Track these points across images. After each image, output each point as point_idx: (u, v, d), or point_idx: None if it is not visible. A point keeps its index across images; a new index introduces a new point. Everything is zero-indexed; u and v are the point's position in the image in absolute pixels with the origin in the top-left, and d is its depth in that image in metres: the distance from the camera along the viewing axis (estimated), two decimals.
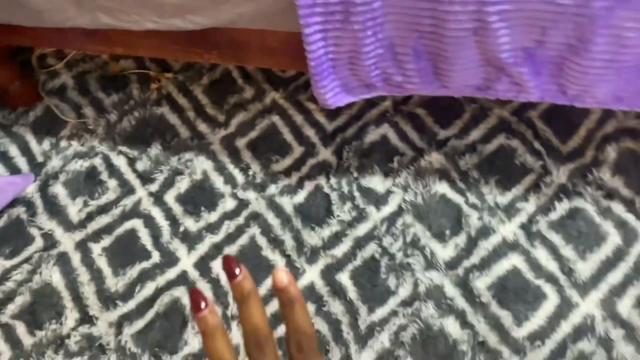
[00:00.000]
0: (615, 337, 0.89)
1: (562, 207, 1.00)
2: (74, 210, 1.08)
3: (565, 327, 0.91)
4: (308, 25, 0.71)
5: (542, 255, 0.97)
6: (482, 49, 0.72)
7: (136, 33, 0.85)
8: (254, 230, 1.04)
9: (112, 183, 1.11)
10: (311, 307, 0.95)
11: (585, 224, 0.99)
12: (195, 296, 0.37)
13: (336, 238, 1.02)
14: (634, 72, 0.71)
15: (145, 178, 1.11)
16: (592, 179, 1.02)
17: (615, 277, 0.94)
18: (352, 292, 0.97)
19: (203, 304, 0.36)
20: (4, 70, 1.13)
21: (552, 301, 0.93)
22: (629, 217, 0.98)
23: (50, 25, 0.86)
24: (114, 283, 1.00)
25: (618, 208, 0.99)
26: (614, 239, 0.97)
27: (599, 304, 0.92)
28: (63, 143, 1.16)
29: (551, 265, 0.96)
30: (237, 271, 0.37)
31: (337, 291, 0.97)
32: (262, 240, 1.03)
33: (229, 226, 1.04)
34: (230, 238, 1.03)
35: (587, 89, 0.75)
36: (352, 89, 0.83)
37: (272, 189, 1.07)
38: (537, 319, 0.92)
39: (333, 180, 1.07)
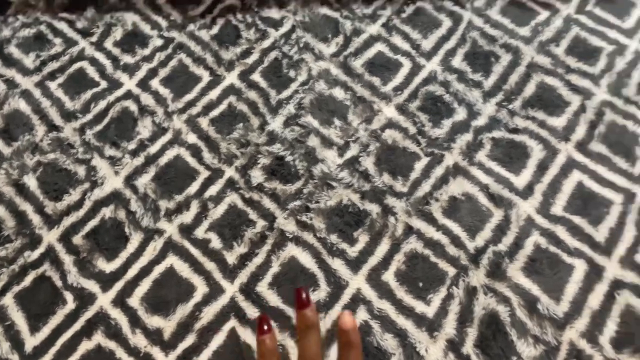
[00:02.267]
0: (450, 79, 1.25)
1: (409, 9, 1.36)
2: (29, 61, 1.31)
3: (417, 80, 1.26)
4: None
5: (397, 40, 1.32)
6: None
7: None
8: (181, 56, 1.32)
9: (57, 40, 1.35)
10: (233, 98, 1.25)
11: (426, 17, 1.35)
12: (261, 321, 0.44)
13: (247, 52, 1.32)
14: None
15: (85, 33, 1.36)
16: None
17: (449, 45, 1.30)
18: (263, 84, 1.27)
19: (266, 327, 0.43)
20: None
21: (407, 67, 1.28)
22: (456, 9, 1.35)
23: None
24: (72, 104, 1.25)
25: (447, 4, 1.36)
26: (447, 23, 1.34)
27: (438, 63, 1.28)
28: (10, 19, 1.38)
29: (405, 46, 1.31)
30: (307, 302, 0.43)
31: (252, 85, 1.27)
32: (188, 61, 1.31)
33: (160, 56, 1.32)
34: (163, 63, 1.31)
35: None
36: None
37: (192, 27, 1.36)
38: (397, 79, 1.26)
39: (239, 16, 1.37)
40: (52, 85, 1.28)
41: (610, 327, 0.97)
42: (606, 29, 1.33)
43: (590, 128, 1.18)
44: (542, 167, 1.14)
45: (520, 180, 1.13)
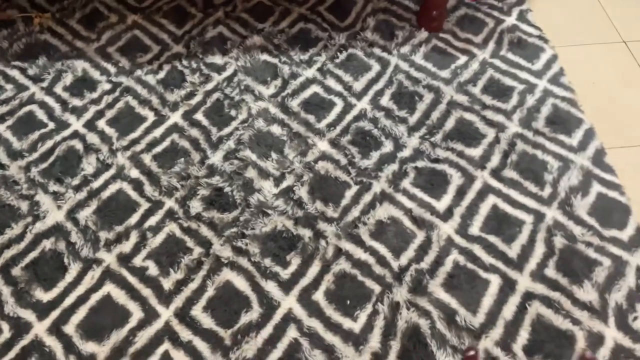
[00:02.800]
0: (379, 116, 1.37)
1: (342, 56, 1.49)
2: None
3: (348, 117, 1.37)
4: None
5: (331, 83, 1.44)
6: None
7: None
8: (128, 98, 1.40)
9: (9, 86, 1.42)
10: (175, 136, 1.33)
11: (357, 62, 1.48)
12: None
13: (191, 94, 1.41)
14: None
15: (36, 79, 1.43)
16: (360, 37, 1.53)
17: (378, 86, 1.43)
18: (205, 122, 1.36)
19: None
20: None
21: (339, 106, 1.39)
22: (384, 55, 1.49)
23: None
24: (20, 144, 1.31)
25: (377, 51, 1.50)
26: (376, 67, 1.47)
27: (368, 102, 1.40)
28: None
29: (338, 87, 1.43)
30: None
31: (194, 123, 1.35)
32: (134, 103, 1.39)
33: (107, 99, 1.40)
34: (110, 105, 1.39)
35: None
36: None
37: (139, 72, 1.45)
38: (331, 117, 1.37)
39: (185, 62, 1.48)
40: (1, 128, 1.34)
41: (523, 336, 1.04)
42: (517, 71, 1.48)
43: (504, 157, 1.30)
44: (461, 192, 1.24)
45: (441, 204, 1.22)
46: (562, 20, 1.62)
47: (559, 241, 1.16)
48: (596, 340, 1.04)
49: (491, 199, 1.23)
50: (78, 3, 1.61)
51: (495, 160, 1.29)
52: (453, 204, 1.22)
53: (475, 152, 1.31)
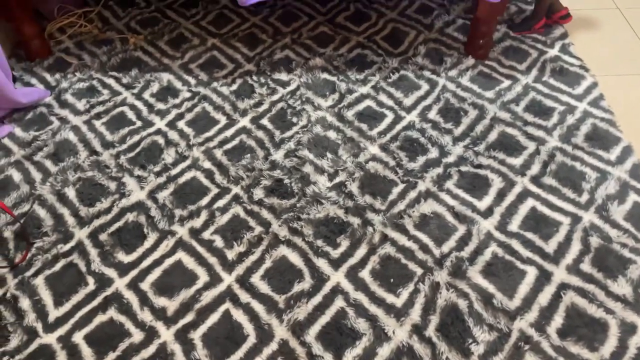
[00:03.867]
0: (426, 127, 1.50)
1: (394, 76, 1.66)
2: (80, 105, 1.61)
3: (398, 127, 1.51)
4: None
5: (383, 98, 1.60)
6: None
7: None
8: (204, 104, 1.61)
9: (105, 91, 1.66)
10: (243, 136, 1.51)
11: (408, 82, 1.64)
12: None
13: (258, 103, 1.60)
14: None
15: (129, 86, 1.67)
16: (412, 62, 1.69)
17: (426, 102, 1.58)
18: (269, 126, 1.53)
19: None
20: (30, 27, 1.70)
21: (390, 117, 1.54)
22: (433, 77, 1.65)
23: None
24: (112, 137, 1.52)
25: (426, 73, 1.66)
26: (425, 87, 1.62)
27: (417, 115, 1.54)
28: (69, 75, 1.72)
29: (389, 102, 1.59)
30: None
31: (261, 127, 1.53)
32: (209, 109, 1.59)
33: (187, 104, 1.61)
34: (189, 110, 1.59)
35: None
36: None
37: (215, 84, 1.66)
38: (382, 126, 1.52)
39: (255, 77, 1.68)
40: (97, 123, 1.56)
41: (557, 320, 1.10)
42: (559, 94, 1.59)
43: (543, 166, 1.40)
44: (501, 195, 1.34)
45: (482, 203, 1.32)
46: (602, 53, 1.73)
47: (594, 241, 1.23)
48: (629, 329, 1.08)
49: (530, 202, 1.32)
50: (167, 28, 1.87)
51: (535, 169, 1.39)
52: (493, 204, 1.31)
53: (516, 161, 1.41)
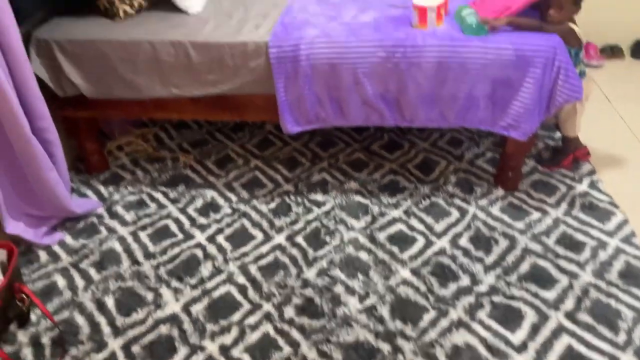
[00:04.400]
0: (457, 254, 1.54)
1: (425, 202, 1.73)
2: (129, 217, 1.73)
3: (429, 252, 1.55)
4: (278, 86, 1.56)
5: (415, 223, 1.65)
6: (360, 94, 1.56)
7: (184, 100, 1.67)
8: (243, 221, 1.70)
9: (153, 205, 1.78)
10: (278, 252, 1.57)
11: (439, 208, 1.71)
12: None
13: (294, 221, 1.68)
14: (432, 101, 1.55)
15: (175, 201, 1.79)
16: (442, 189, 1.78)
17: (457, 229, 1.63)
18: (303, 244, 1.60)
19: None
20: (93, 144, 1.89)
21: (421, 242, 1.59)
22: (463, 205, 1.71)
23: (142, 97, 1.66)
24: (154, 248, 1.60)
25: (457, 201, 1.73)
26: (456, 214, 1.68)
27: (447, 241, 1.59)
28: (121, 188, 1.86)
29: (420, 227, 1.64)
30: None
31: (295, 244, 1.60)
32: (248, 225, 1.68)
33: (227, 220, 1.70)
34: (228, 225, 1.68)
35: (414, 114, 1.58)
36: (300, 123, 1.64)
37: (255, 202, 1.77)
38: (413, 250, 1.56)
39: (292, 197, 1.78)
40: (142, 234, 1.66)
41: None
42: (589, 229, 1.61)
43: (578, 302, 1.38)
44: (535, 329, 1.32)
45: (516, 337, 1.30)
46: (631, 189, 1.77)
47: None
48: None
49: (565, 339, 1.29)
50: (215, 149, 2.03)
51: (569, 304, 1.38)
52: (528, 339, 1.29)
53: (549, 294, 1.40)
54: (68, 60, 1.61)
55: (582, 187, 1.77)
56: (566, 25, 1.48)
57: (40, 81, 1.54)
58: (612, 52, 2.52)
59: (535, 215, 1.67)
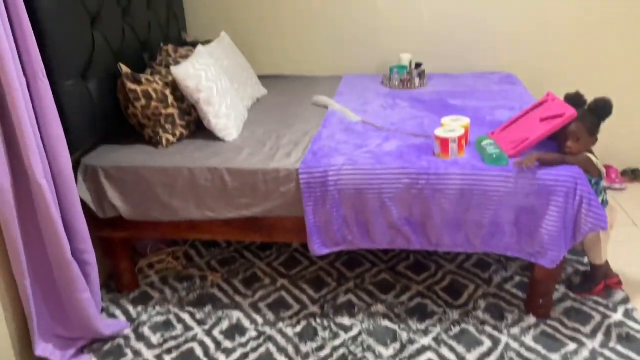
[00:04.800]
0: None
1: (456, 329, 1.69)
2: (155, 339, 1.72)
3: None
4: (307, 210, 1.63)
5: (445, 351, 1.61)
6: (386, 218, 1.61)
7: (217, 222, 1.74)
8: (269, 345, 1.67)
9: (179, 326, 1.78)
10: None
11: (470, 337, 1.66)
12: None
13: (320, 347, 1.65)
14: (458, 227, 1.58)
15: (201, 322, 1.79)
16: (472, 315, 1.75)
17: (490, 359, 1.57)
18: None
19: None
20: (126, 263, 1.95)
21: None
22: (495, 333, 1.67)
23: (177, 219, 1.74)
24: None
25: (488, 329, 1.69)
26: (488, 343, 1.64)
27: None
28: (149, 308, 1.88)
29: (452, 356, 1.59)
30: None
31: None
32: (273, 350, 1.65)
33: (253, 344, 1.68)
34: (253, 350, 1.66)
35: (440, 239, 1.61)
36: (328, 245, 1.68)
37: (281, 325, 1.76)
38: None
39: (318, 320, 1.77)
40: (167, 358, 1.64)
41: None
42: None
43: None
44: None
45: None
46: None
47: None
48: None
49: None
50: (242, 267, 2.07)
51: None
52: None
53: None
54: (112, 185, 1.72)
55: (617, 316, 1.72)
56: (584, 156, 1.54)
57: (82, 203, 1.64)
58: (633, 174, 2.57)
59: (571, 346, 1.60)
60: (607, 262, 1.77)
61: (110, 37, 1.82)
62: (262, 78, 2.49)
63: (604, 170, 1.59)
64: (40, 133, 1.41)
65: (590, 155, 1.56)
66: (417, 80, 2.34)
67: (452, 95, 2.21)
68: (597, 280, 1.77)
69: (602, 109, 1.55)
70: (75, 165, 1.69)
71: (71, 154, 1.54)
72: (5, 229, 1.40)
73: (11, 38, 1.30)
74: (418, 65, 2.43)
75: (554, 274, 1.66)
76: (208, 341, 1.70)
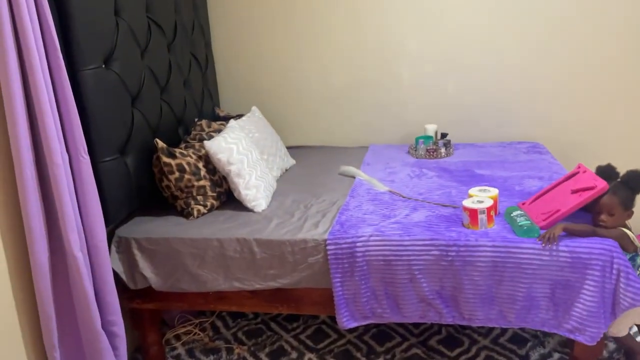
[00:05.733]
0: None
1: None
2: None
3: None
4: (335, 281, 1.62)
5: None
6: (416, 291, 1.59)
7: (244, 294, 1.74)
8: None
9: None
10: None
11: None
12: None
13: None
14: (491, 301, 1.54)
15: None
16: None
17: None
18: None
19: None
20: (154, 334, 1.94)
21: None
22: None
23: (205, 290, 1.75)
24: None
25: None
26: None
27: None
28: None
29: None
30: None
31: None
32: None
33: None
34: None
35: (472, 313, 1.57)
36: (356, 318, 1.64)
37: None
38: None
39: None
40: None
41: None
42: None
43: None
44: None
45: None
46: None
47: None
48: None
49: None
50: (269, 340, 2.03)
51: None
52: None
53: None
54: (143, 256, 1.76)
55: None
56: (619, 231, 1.50)
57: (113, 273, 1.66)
58: None
59: None
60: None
61: (148, 115, 1.92)
62: (290, 149, 2.55)
63: None
64: (79, 209, 1.47)
65: (625, 230, 1.52)
66: (443, 150, 2.37)
67: (479, 164, 2.22)
68: (637, 352, 1.67)
69: (635, 181, 1.53)
70: (109, 236, 1.74)
71: (106, 226, 1.59)
72: (40, 302, 1.43)
73: (57, 116, 1.39)
74: (444, 136, 2.46)
75: (595, 351, 1.57)
76: None
